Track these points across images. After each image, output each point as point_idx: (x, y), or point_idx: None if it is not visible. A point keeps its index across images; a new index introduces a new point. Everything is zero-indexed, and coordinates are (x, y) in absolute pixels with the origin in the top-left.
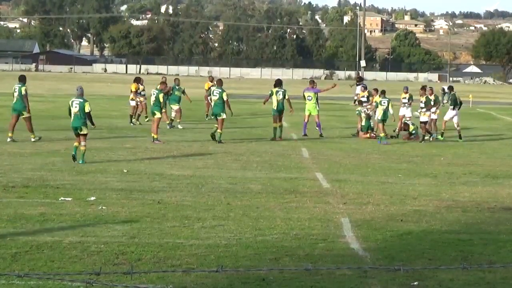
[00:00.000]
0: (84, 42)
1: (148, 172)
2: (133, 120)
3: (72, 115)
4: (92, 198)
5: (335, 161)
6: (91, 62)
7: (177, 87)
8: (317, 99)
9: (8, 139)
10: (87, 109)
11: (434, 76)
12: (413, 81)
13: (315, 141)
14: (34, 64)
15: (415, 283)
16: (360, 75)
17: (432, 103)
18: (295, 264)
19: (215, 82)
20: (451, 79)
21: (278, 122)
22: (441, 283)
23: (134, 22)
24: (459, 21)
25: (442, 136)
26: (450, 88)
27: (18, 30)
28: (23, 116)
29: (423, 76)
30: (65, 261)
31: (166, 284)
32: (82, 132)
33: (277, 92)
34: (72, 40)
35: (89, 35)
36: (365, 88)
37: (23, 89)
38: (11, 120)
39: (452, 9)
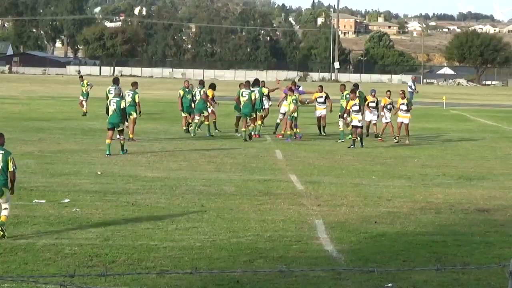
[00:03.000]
0: (58, 44)
1: (122, 174)
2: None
3: (110, 112)
4: (66, 200)
5: (309, 163)
6: (65, 64)
7: (186, 89)
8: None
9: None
10: (122, 106)
11: (407, 78)
12: (387, 82)
13: (289, 143)
14: (7, 66)
15: (389, 284)
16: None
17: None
18: (269, 266)
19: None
20: (424, 80)
21: (258, 121)
22: (415, 285)
23: (108, 24)
24: (433, 23)
25: (377, 137)
26: (356, 86)
27: None
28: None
29: (396, 78)
30: (39, 264)
31: (140, 286)
32: (119, 129)
33: (253, 91)
34: (46, 42)
35: (62, 37)
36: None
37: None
38: None
39: (426, 11)
